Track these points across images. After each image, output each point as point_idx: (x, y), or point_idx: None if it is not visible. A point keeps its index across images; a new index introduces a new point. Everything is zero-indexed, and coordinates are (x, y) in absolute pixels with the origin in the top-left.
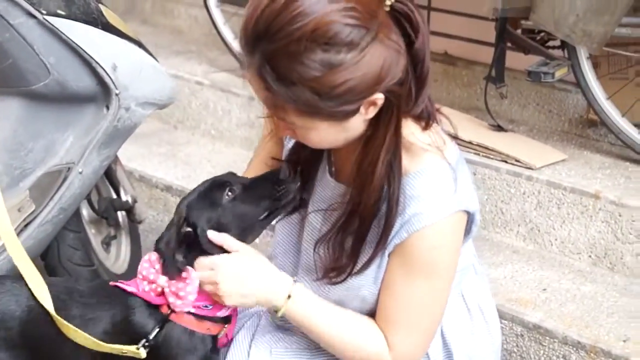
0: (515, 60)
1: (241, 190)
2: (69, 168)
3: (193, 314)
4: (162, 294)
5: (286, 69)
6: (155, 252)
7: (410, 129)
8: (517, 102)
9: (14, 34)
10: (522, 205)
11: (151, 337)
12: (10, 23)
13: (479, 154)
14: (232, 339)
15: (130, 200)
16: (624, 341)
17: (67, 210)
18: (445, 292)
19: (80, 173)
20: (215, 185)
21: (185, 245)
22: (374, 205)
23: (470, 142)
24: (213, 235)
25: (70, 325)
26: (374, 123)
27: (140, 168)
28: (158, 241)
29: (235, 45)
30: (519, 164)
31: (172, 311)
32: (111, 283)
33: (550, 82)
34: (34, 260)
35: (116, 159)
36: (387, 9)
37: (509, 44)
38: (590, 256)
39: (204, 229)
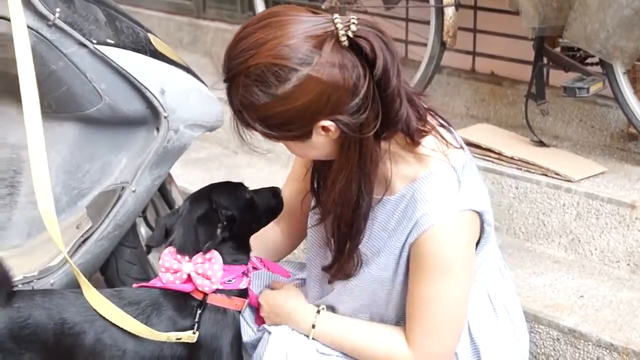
0: (559, 78)
1: (251, 195)
2: (123, 187)
3: (221, 291)
4: (187, 280)
5: (236, 98)
6: (171, 246)
7: (406, 141)
8: (560, 118)
9: (68, 63)
10: (562, 216)
11: (197, 319)
12: (63, 52)
13: (521, 169)
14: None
15: None
16: None
17: (122, 226)
18: (464, 291)
19: (134, 192)
20: (233, 185)
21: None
22: (346, 217)
23: (512, 158)
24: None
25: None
26: (340, 143)
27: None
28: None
29: None
30: (558, 176)
31: (206, 294)
32: (134, 285)
33: (585, 97)
34: (92, 274)
35: (170, 179)
36: (345, 43)
37: (549, 62)
38: (628, 264)
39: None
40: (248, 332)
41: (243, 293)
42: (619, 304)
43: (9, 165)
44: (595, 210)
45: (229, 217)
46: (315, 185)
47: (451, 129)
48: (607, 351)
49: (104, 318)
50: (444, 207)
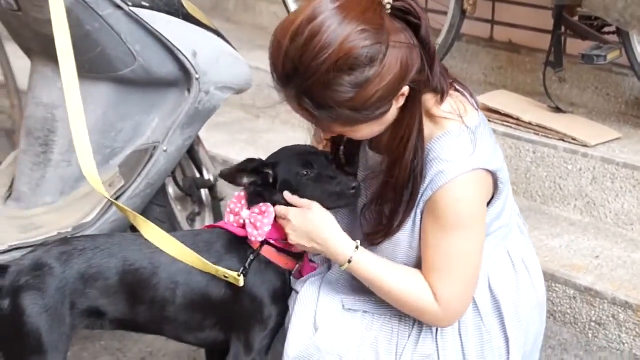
0: (576, 46)
1: (315, 176)
2: (155, 147)
3: (273, 245)
4: (243, 226)
5: (322, 98)
6: (244, 191)
7: (431, 102)
8: (577, 86)
9: (103, 24)
10: (579, 180)
11: (247, 265)
12: (99, 14)
13: (538, 134)
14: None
15: (212, 178)
16: None
17: (153, 185)
18: (478, 242)
19: (165, 151)
20: (302, 158)
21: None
22: (408, 176)
23: (530, 123)
24: (288, 195)
25: (183, 246)
26: (402, 106)
27: (224, 153)
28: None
29: None
30: (575, 142)
31: (262, 244)
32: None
33: (602, 64)
34: (124, 232)
35: (199, 141)
36: (389, 11)
37: (567, 31)
38: None
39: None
40: None
41: (297, 257)
42: (633, 265)
43: (44, 124)
44: (610, 175)
45: (274, 180)
46: (343, 159)
47: (465, 91)
48: (622, 309)
49: (160, 253)
50: (458, 165)
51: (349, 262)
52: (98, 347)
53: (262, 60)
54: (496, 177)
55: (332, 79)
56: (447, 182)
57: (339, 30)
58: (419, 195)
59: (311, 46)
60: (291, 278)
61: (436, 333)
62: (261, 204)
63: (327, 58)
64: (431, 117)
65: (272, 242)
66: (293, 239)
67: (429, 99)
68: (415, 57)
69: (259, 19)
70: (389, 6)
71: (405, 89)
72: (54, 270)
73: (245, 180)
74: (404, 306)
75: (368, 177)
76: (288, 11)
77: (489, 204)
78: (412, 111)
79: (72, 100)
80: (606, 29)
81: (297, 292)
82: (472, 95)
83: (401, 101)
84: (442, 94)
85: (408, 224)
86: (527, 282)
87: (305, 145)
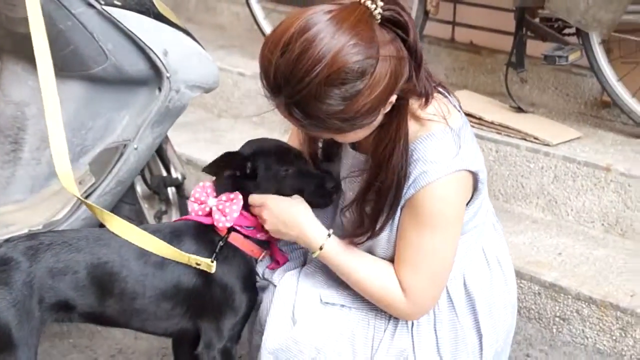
0: (536, 48)
1: (295, 173)
2: (125, 145)
3: (239, 232)
4: (209, 214)
5: (312, 109)
6: (209, 181)
7: (416, 104)
8: (537, 86)
9: (75, 23)
10: (541, 179)
11: (217, 250)
12: (72, 12)
13: (500, 133)
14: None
15: (180, 177)
16: (632, 296)
17: (124, 182)
18: (453, 242)
19: (136, 149)
20: (281, 154)
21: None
22: (393, 180)
23: (492, 122)
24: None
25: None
26: (388, 112)
27: (188, 152)
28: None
29: None
30: (537, 141)
31: (229, 231)
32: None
33: (564, 64)
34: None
35: (167, 139)
36: (378, 21)
37: (528, 32)
38: (602, 224)
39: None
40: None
41: (263, 245)
42: (595, 261)
43: (14, 122)
44: (571, 173)
45: (251, 172)
46: (321, 156)
47: (447, 92)
48: (586, 304)
49: (128, 246)
50: (442, 166)
51: (320, 249)
52: (67, 344)
53: (223, 60)
54: (477, 177)
55: (323, 92)
56: (430, 182)
57: (331, 43)
58: (402, 196)
59: (304, 59)
60: (266, 270)
61: (412, 328)
62: (229, 192)
63: (319, 72)
64: (416, 118)
65: (238, 229)
66: (269, 225)
67: (413, 102)
68: (404, 67)
69: (219, 18)
70: (379, 16)
71: (393, 98)
72: (20, 265)
73: (228, 172)
74: (372, 296)
75: (350, 175)
76: (251, 12)
77: (467, 203)
78: (398, 117)
79: (48, 98)
80: (566, 31)
81: (275, 285)
82: (454, 98)
83: (388, 107)
84: (426, 98)
85: (386, 229)
86: (501, 279)
87: (277, 140)
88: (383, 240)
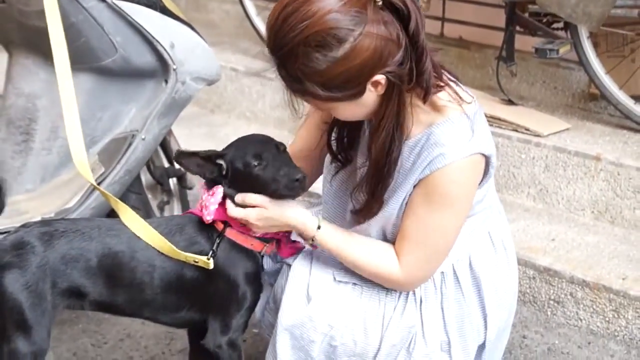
0: (524, 42)
1: (264, 167)
2: (133, 135)
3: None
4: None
5: (294, 70)
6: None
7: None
8: (525, 80)
9: (87, 16)
10: (532, 168)
11: (214, 247)
12: (83, 6)
13: (492, 125)
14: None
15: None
16: (623, 279)
17: (132, 172)
18: (459, 222)
19: (143, 139)
20: (253, 148)
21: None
22: (380, 162)
23: (484, 114)
24: (239, 198)
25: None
26: (382, 95)
27: (183, 146)
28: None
29: None
30: (528, 132)
31: (225, 226)
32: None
33: (555, 58)
34: (103, 217)
35: (170, 131)
36: (379, 2)
37: (518, 27)
38: (592, 212)
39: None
40: (267, 261)
41: (263, 239)
42: (587, 246)
43: (25, 114)
44: (562, 163)
45: (232, 174)
46: (346, 142)
47: (459, 82)
48: (580, 287)
49: (137, 237)
50: (458, 149)
51: (312, 240)
52: (76, 330)
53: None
54: (489, 161)
55: (302, 52)
56: (447, 164)
57: (319, 6)
58: (417, 173)
59: (292, 17)
60: (263, 258)
61: (420, 305)
62: (214, 187)
63: (301, 31)
64: (433, 104)
65: (231, 225)
66: (260, 230)
67: (420, 91)
68: (393, 50)
69: (210, 16)
70: (379, 2)
71: (381, 78)
72: (35, 249)
73: (197, 168)
74: (370, 273)
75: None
76: (244, 9)
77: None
78: (388, 101)
79: (65, 89)
80: (555, 25)
81: (289, 265)
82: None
83: (380, 90)
84: (425, 92)
85: (400, 199)
86: (505, 262)
87: (260, 135)
88: (394, 217)
